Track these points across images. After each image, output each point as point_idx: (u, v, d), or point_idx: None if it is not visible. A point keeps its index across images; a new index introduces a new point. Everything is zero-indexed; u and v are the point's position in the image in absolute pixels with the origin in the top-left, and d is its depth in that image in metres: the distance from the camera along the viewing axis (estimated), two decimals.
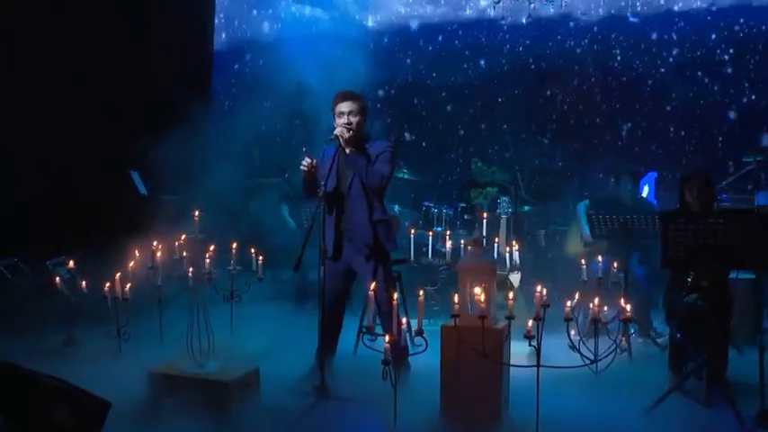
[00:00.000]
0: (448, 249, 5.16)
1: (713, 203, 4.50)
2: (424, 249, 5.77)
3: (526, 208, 6.29)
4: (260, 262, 5.01)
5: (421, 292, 3.87)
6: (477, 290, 4.05)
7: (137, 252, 5.27)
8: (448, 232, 5.51)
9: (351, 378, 4.57)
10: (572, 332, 4.89)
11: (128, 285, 4.97)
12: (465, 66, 8.16)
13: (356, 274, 4.70)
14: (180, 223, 6.77)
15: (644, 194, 6.30)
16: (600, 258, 4.62)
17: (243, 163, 7.74)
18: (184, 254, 4.61)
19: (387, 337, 3.77)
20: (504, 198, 5.61)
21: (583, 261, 4.59)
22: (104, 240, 5.95)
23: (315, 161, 4.36)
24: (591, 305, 3.88)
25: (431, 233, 5.57)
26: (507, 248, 5.30)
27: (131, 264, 5.19)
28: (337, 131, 4.33)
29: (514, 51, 8.00)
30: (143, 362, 4.72)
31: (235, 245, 4.66)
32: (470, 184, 6.77)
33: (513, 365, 3.82)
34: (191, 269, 4.72)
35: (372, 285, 3.95)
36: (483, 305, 3.72)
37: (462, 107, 8.08)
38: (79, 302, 5.48)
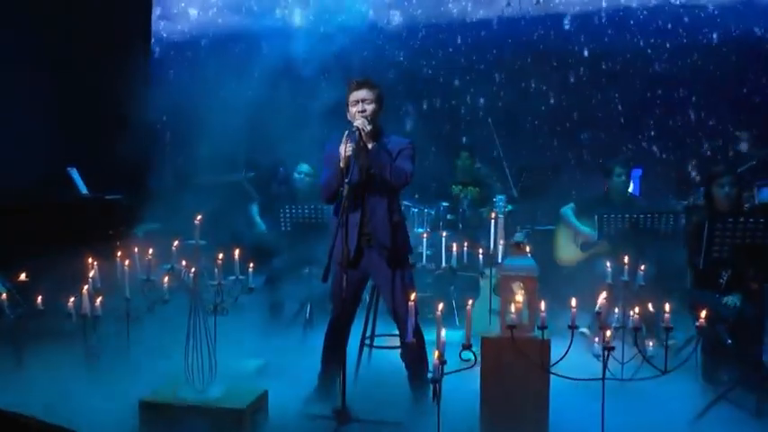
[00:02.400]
0: (454, 253, 4.89)
1: (742, 201, 4.48)
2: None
3: (509, 207, 6.10)
4: (250, 270, 4.53)
5: (470, 302, 3.57)
6: (519, 297, 3.84)
7: (90, 260, 4.68)
8: (444, 233, 5.24)
9: (365, 398, 4.21)
10: (596, 340, 4.79)
11: (98, 300, 4.38)
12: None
13: (367, 281, 4.36)
14: (129, 226, 6.20)
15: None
16: (626, 260, 4.49)
17: (193, 160, 7.21)
18: (184, 262, 4.08)
19: (435, 354, 3.45)
20: (500, 197, 5.41)
21: (608, 264, 4.45)
22: (45, 248, 5.31)
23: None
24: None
25: (425, 235, 5.28)
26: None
27: (91, 274, 4.59)
28: (358, 123, 3.97)
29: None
30: (119, 387, 4.21)
31: (237, 252, 4.18)
32: (455, 181, 6.54)
33: (574, 378, 3.60)
34: (166, 278, 4.20)
35: (413, 296, 3.61)
36: (543, 314, 3.48)
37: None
38: (26, 320, 4.81)
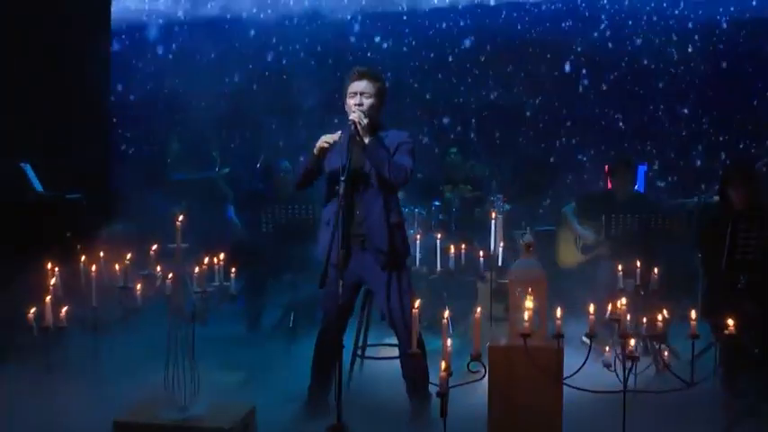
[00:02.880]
0: (452, 256, 4.81)
1: (760, 199, 4.46)
2: None
3: (507, 207, 6.05)
4: (232, 275, 4.39)
5: (479, 309, 3.50)
6: (529, 303, 3.77)
7: (50, 265, 4.50)
8: (439, 235, 5.15)
9: (362, 413, 4.08)
10: (606, 349, 4.75)
11: (63, 310, 4.19)
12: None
13: (361, 287, 4.26)
14: (91, 228, 6.02)
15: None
16: (638, 263, 4.44)
17: (160, 156, 7.06)
18: (159, 267, 3.93)
19: (442, 365, 3.37)
20: (498, 195, 5.35)
21: (619, 267, 4.40)
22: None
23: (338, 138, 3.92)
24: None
25: (419, 236, 5.20)
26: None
27: (53, 282, 4.41)
28: (354, 117, 3.87)
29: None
30: (89, 407, 4.05)
31: (222, 256, 4.04)
32: (445, 180, 6.48)
33: (592, 391, 3.53)
34: (138, 285, 4.02)
35: (417, 303, 3.52)
36: (558, 321, 3.42)
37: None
38: None
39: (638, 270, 4.39)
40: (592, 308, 3.43)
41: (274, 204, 5.54)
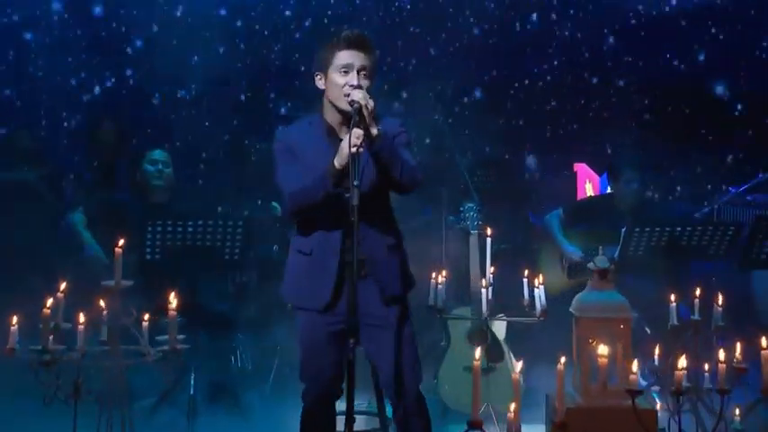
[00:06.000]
0: (434, 285, 4.58)
1: None
2: None
3: (452, 218, 5.97)
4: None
5: (562, 359, 3.32)
6: (603, 349, 3.67)
7: None
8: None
9: None
10: (659, 406, 4.75)
11: None
12: None
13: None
14: None
15: None
16: (698, 293, 4.47)
17: None
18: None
19: None
20: (469, 205, 5.20)
21: (672, 298, 4.41)
22: None
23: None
24: None
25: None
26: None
27: None
28: (359, 97, 3.50)
29: None
30: None
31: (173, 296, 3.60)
32: None
33: None
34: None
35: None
36: (680, 372, 3.33)
37: None
38: None
39: (696, 300, 4.41)
40: (722, 354, 3.36)
41: (167, 222, 5.01)
